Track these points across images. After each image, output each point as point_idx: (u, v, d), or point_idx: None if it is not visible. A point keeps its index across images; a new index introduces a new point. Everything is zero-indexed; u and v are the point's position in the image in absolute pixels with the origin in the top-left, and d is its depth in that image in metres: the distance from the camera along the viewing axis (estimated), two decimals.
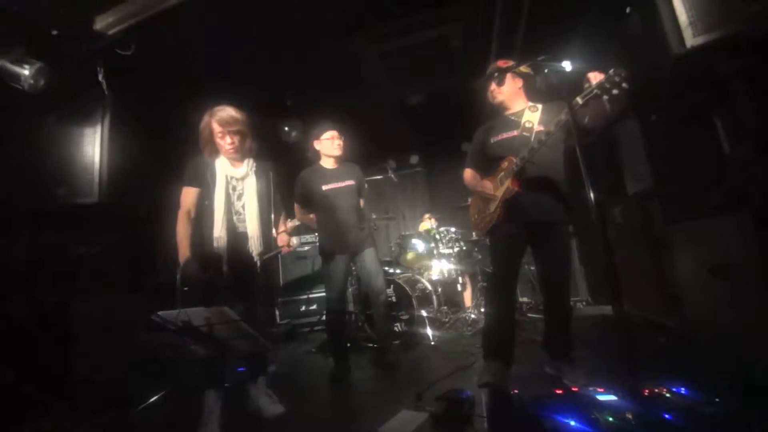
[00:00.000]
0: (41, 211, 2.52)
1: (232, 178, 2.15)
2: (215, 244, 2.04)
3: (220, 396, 1.93)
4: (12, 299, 2.33)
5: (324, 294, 4.77)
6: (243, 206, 2.16)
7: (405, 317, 3.51)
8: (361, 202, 3.00)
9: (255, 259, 2.16)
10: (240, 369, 2.17)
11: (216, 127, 2.08)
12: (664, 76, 2.18)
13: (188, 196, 2.08)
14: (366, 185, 3.03)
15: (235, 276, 2.08)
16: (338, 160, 2.92)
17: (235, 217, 2.14)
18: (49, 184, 2.49)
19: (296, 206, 2.97)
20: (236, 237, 2.12)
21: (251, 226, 2.15)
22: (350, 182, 2.87)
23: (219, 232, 2.05)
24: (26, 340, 2.28)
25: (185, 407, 2.04)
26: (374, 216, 4.10)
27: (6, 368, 2.16)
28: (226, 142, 2.09)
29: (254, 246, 2.15)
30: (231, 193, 2.15)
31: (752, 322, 1.84)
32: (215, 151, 2.14)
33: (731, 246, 1.96)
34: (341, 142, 2.87)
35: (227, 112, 2.10)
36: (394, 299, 3.63)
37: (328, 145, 2.85)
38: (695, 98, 2.26)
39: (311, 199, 2.87)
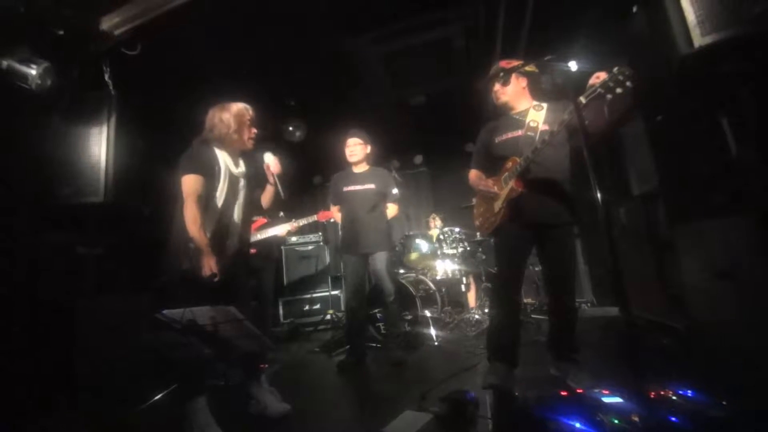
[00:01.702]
0: (47, 210, 2.54)
1: (230, 173, 2.10)
2: (227, 238, 2.01)
3: (207, 404, 1.87)
4: (17, 298, 2.34)
5: (327, 293, 4.82)
6: (239, 204, 2.13)
7: (409, 317, 3.51)
8: (390, 208, 3.14)
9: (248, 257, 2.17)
10: (242, 368, 2.17)
11: (248, 116, 2.14)
12: (670, 76, 2.17)
13: (195, 183, 1.95)
14: (395, 191, 3.13)
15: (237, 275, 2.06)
16: (365, 164, 3.11)
17: (235, 213, 2.12)
18: (55, 183, 2.51)
19: (331, 206, 3.24)
20: (222, 233, 2.08)
21: (236, 224, 2.12)
22: (370, 186, 3.01)
23: (233, 227, 2.04)
24: (30, 339, 2.29)
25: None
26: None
27: (10, 367, 2.17)
28: (251, 131, 2.16)
29: (234, 244, 2.10)
30: (234, 187, 2.11)
31: (757, 324, 1.82)
32: (249, 139, 2.15)
33: (736, 247, 1.94)
34: (353, 150, 3.05)
35: None
36: (397, 298, 3.64)
37: (345, 151, 3.08)
38: (701, 99, 2.24)
39: (336, 200, 3.13)
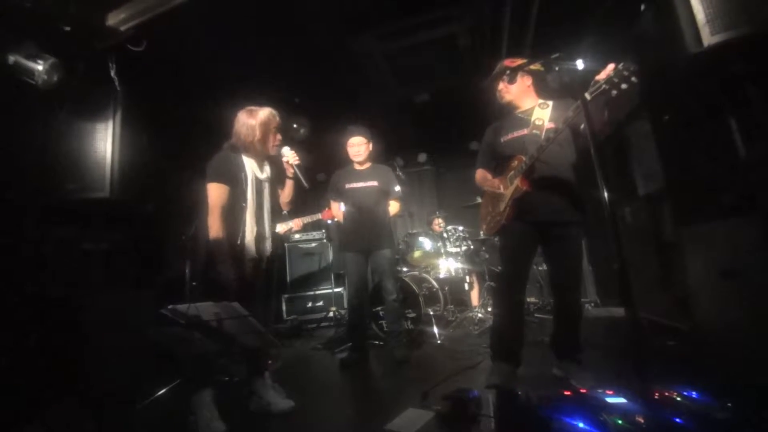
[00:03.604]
0: (53, 205, 2.55)
1: (256, 179, 2.15)
2: (247, 246, 2.03)
3: (212, 399, 1.90)
4: (23, 293, 2.36)
5: (330, 291, 4.82)
6: (264, 208, 2.18)
7: (412, 315, 3.51)
8: (392, 205, 3.14)
9: (268, 259, 2.17)
10: (245, 364, 2.18)
11: (275, 123, 2.14)
12: (677, 75, 2.15)
13: (220, 192, 2.00)
14: (398, 188, 3.12)
15: (258, 277, 2.10)
16: (368, 161, 3.10)
17: (258, 220, 2.15)
18: (61, 179, 2.52)
19: (331, 202, 3.20)
20: (259, 239, 2.13)
21: (267, 229, 2.18)
22: (373, 183, 3.01)
23: (250, 235, 2.05)
24: (35, 335, 2.31)
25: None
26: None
27: (15, 362, 2.19)
28: (277, 138, 2.17)
29: (268, 247, 2.18)
30: (260, 193, 2.16)
31: (763, 325, 1.80)
32: (274, 146, 2.16)
33: (743, 248, 1.93)
34: (359, 149, 3.03)
35: None
36: (401, 297, 3.64)
37: (350, 151, 3.06)
38: (709, 98, 2.22)
39: (338, 197, 3.10)
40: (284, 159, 2.21)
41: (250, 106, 2.17)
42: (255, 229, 2.07)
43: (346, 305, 4.71)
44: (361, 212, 2.96)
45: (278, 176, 2.28)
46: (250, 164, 2.11)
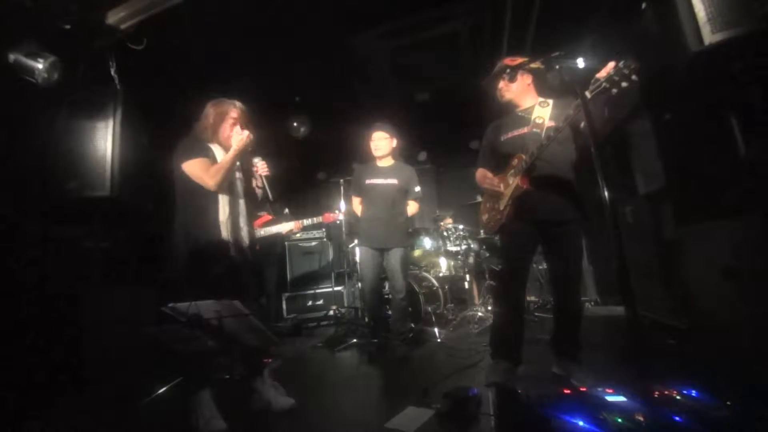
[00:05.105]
0: (53, 204, 2.55)
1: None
2: (222, 229, 1.99)
3: (212, 397, 1.89)
4: (23, 292, 2.36)
5: (330, 289, 4.82)
6: (237, 200, 2.13)
7: (411, 313, 3.51)
8: (411, 205, 3.14)
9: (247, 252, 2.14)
10: (245, 362, 2.18)
11: (233, 115, 2.10)
12: (678, 74, 2.14)
13: (202, 164, 1.96)
14: (418, 188, 3.13)
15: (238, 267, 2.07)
16: (391, 158, 3.12)
17: (233, 208, 2.10)
18: (61, 177, 2.52)
19: (352, 198, 3.21)
20: (234, 227, 2.09)
21: (243, 220, 2.13)
22: (393, 181, 3.02)
23: (224, 216, 2.00)
24: (36, 332, 2.31)
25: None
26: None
27: (16, 360, 2.19)
28: (235, 131, 2.10)
29: (245, 237, 2.13)
30: (232, 183, 2.11)
31: (762, 325, 1.81)
32: (226, 137, 2.11)
33: (744, 248, 1.92)
34: (377, 144, 3.04)
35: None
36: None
37: (371, 146, 3.07)
38: (710, 96, 2.22)
39: (359, 193, 3.11)
40: (254, 169, 2.22)
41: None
42: (229, 213, 2.02)
43: (345, 303, 4.72)
44: (378, 209, 2.98)
45: (245, 174, 2.23)
46: (217, 151, 2.07)
